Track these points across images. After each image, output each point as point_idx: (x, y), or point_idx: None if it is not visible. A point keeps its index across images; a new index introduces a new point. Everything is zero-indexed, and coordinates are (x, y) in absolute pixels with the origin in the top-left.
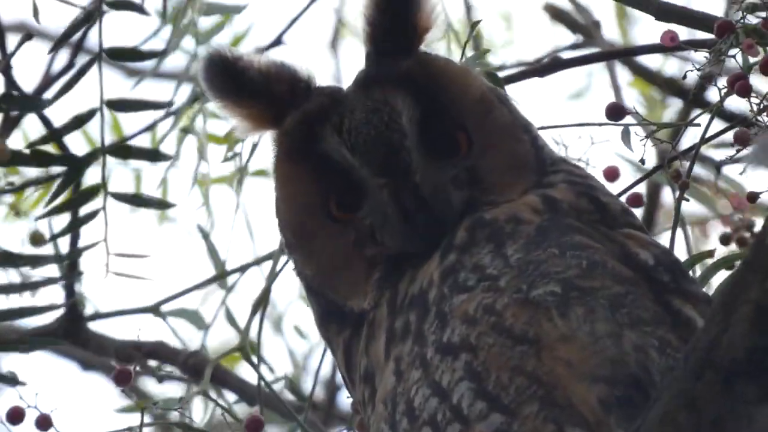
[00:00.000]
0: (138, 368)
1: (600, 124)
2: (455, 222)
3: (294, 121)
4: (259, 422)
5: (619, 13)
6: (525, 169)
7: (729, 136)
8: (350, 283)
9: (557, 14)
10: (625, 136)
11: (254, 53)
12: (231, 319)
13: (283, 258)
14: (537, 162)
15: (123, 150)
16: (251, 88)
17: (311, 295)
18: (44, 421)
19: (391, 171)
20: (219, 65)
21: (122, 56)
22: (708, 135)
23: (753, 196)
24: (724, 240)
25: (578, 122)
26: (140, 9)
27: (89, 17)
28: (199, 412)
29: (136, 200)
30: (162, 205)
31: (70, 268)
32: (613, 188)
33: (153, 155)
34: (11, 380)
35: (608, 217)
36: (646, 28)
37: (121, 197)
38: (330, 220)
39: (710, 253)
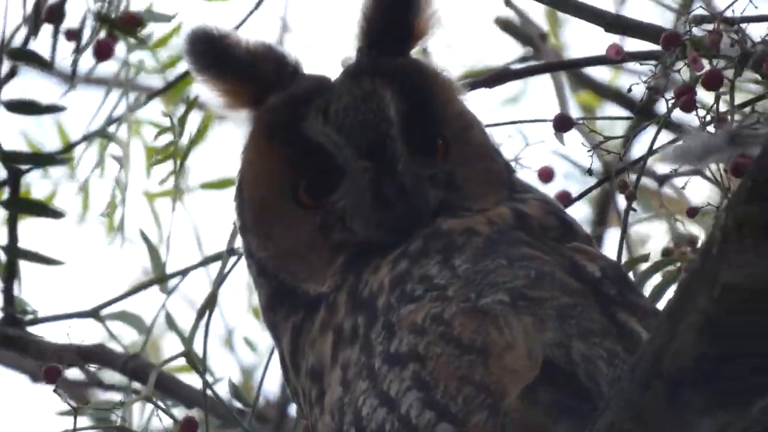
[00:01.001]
0: (82, 374)
1: (539, 121)
2: (428, 220)
3: (278, 99)
4: (193, 422)
5: (552, 22)
6: (499, 185)
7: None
8: (310, 267)
9: (506, 26)
10: (559, 136)
11: (243, 33)
12: (171, 323)
13: (231, 261)
14: (509, 183)
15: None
16: (236, 65)
17: (262, 277)
18: None
19: (375, 155)
20: (204, 40)
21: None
22: (656, 147)
23: (692, 211)
24: (666, 254)
25: (517, 120)
26: (46, 64)
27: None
28: (138, 416)
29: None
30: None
31: (8, 272)
32: (550, 190)
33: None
34: None
35: (570, 237)
36: (596, 40)
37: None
38: (296, 203)
39: (645, 258)
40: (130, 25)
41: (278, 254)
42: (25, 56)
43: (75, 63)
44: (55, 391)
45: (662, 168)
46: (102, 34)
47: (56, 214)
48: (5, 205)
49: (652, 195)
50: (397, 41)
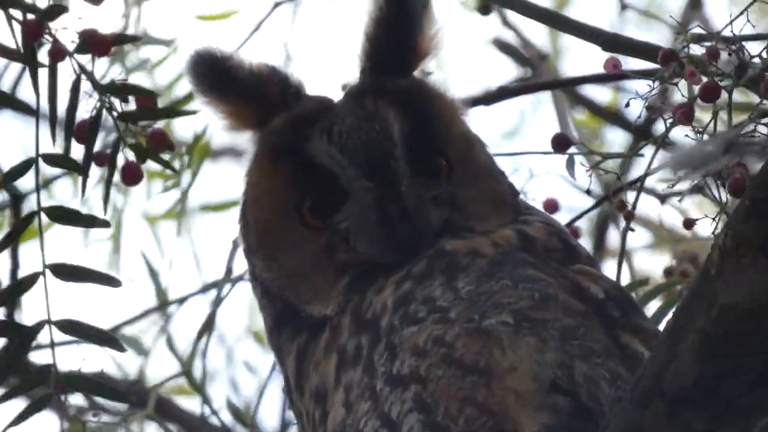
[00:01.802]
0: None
1: (545, 153)
2: (431, 241)
3: (282, 121)
4: None
5: (553, 44)
6: (503, 206)
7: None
8: (314, 288)
9: (504, 47)
10: (570, 165)
11: (246, 55)
12: (171, 346)
13: (228, 286)
14: (513, 205)
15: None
16: (240, 87)
17: (267, 299)
18: None
19: (378, 176)
20: (207, 62)
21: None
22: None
23: (689, 223)
24: (668, 273)
25: (522, 152)
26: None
27: None
28: None
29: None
30: (91, 221)
31: (11, 296)
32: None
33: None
34: None
35: (573, 259)
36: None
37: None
38: (301, 224)
39: (645, 282)
40: (159, 144)
41: (283, 275)
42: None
43: (107, 194)
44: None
45: (662, 186)
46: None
47: (102, 224)
48: (54, 215)
49: (651, 222)
50: (399, 62)
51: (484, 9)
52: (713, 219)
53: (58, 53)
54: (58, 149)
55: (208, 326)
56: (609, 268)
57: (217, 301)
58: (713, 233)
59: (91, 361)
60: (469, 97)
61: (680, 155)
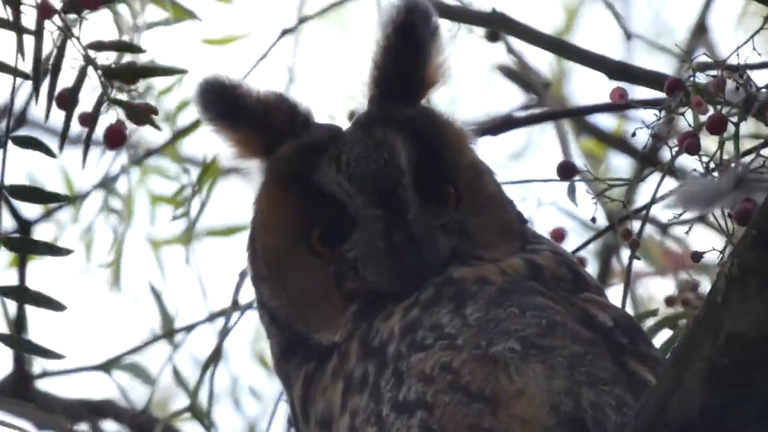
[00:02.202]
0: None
1: (548, 180)
2: (439, 269)
3: (290, 149)
4: None
5: (557, 71)
6: (511, 235)
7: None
8: (323, 316)
9: (509, 74)
10: (571, 193)
11: (253, 83)
12: (177, 376)
13: (236, 315)
14: (521, 233)
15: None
16: (248, 115)
17: (274, 327)
18: None
19: (386, 204)
20: (215, 90)
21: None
22: (660, 194)
23: (696, 256)
24: (669, 302)
25: (525, 179)
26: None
27: None
28: None
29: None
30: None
31: (18, 326)
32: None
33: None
34: None
35: (581, 287)
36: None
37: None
38: (310, 252)
39: (653, 313)
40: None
41: (291, 303)
42: (33, 144)
43: (85, 152)
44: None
45: (666, 215)
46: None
47: (62, 252)
48: (11, 245)
49: (653, 246)
50: (408, 90)
51: (492, 36)
52: (720, 251)
53: (45, 10)
54: (40, 111)
55: (214, 357)
56: (613, 294)
57: (224, 332)
58: (719, 263)
59: (98, 390)
60: (477, 127)
61: (689, 192)
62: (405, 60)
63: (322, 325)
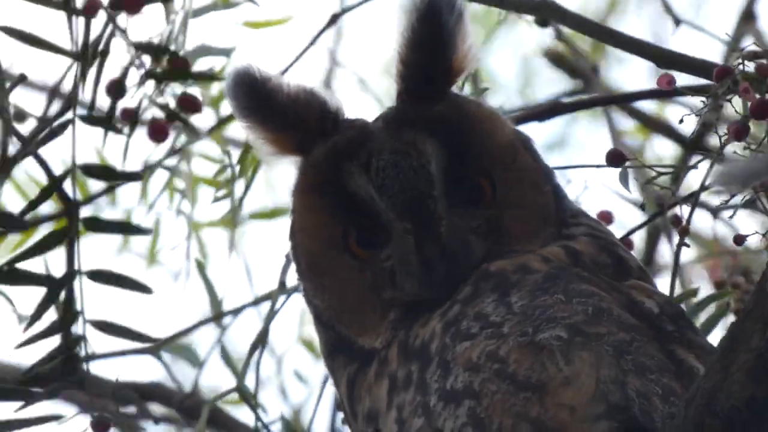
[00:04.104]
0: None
1: (599, 166)
2: (473, 271)
3: (321, 154)
4: None
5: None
6: (547, 221)
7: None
8: (363, 322)
9: (557, 59)
10: (623, 179)
11: (284, 77)
12: (226, 357)
13: (282, 298)
14: (558, 213)
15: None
16: (278, 112)
17: (320, 325)
18: None
19: (416, 218)
20: (247, 84)
21: (94, 173)
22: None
23: (740, 239)
24: (719, 286)
25: (575, 164)
26: (113, 127)
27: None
28: None
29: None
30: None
31: (66, 308)
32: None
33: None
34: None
35: (625, 273)
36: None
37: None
38: (348, 255)
39: (694, 293)
40: (187, 106)
41: (333, 306)
42: (101, 122)
43: (127, 145)
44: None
45: (714, 200)
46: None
47: (140, 231)
48: (86, 223)
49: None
50: (435, 82)
51: (542, 22)
52: (764, 235)
53: (92, 6)
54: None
55: (261, 339)
56: (660, 283)
57: (271, 315)
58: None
59: (146, 372)
60: (523, 113)
61: (729, 170)
62: (431, 51)
63: (363, 330)
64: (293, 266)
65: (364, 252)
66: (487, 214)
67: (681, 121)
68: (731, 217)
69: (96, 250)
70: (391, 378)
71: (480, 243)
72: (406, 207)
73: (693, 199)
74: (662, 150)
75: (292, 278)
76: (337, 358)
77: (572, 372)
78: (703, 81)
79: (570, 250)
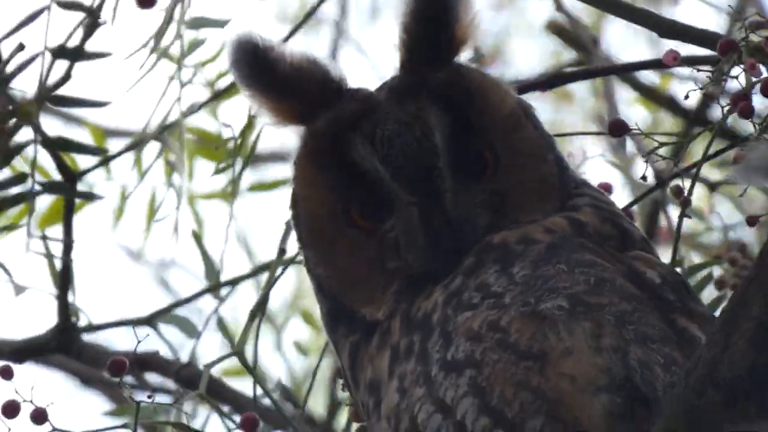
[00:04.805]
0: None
1: (600, 134)
2: (477, 242)
3: (324, 124)
4: (254, 419)
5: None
6: (550, 191)
7: (729, 155)
8: (365, 293)
9: (558, 31)
10: (622, 149)
11: (286, 45)
12: (222, 327)
13: (281, 268)
14: (561, 183)
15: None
16: (281, 81)
17: (321, 294)
18: (39, 416)
19: (421, 189)
20: (249, 52)
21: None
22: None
23: (752, 220)
24: (716, 260)
25: (576, 132)
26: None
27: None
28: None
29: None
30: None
31: (63, 279)
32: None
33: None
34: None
35: (628, 244)
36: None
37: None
38: (351, 226)
39: (703, 266)
40: None
41: (335, 276)
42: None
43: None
44: (119, 383)
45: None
46: None
47: (97, 104)
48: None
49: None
50: (438, 52)
51: None
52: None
53: None
54: None
55: (260, 307)
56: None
57: (270, 282)
58: None
59: (144, 343)
60: (525, 82)
61: (747, 163)
62: (433, 21)
63: (365, 301)
64: (293, 235)
65: (367, 223)
66: (491, 185)
67: (686, 96)
68: (741, 195)
69: (92, 224)
70: (393, 349)
71: (484, 214)
72: (411, 178)
73: (695, 170)
74: (662, 122)
75: (292, 247)
76: (338, 328)
77: (573, 342)
78: (705, 52)
79: (573, 221)
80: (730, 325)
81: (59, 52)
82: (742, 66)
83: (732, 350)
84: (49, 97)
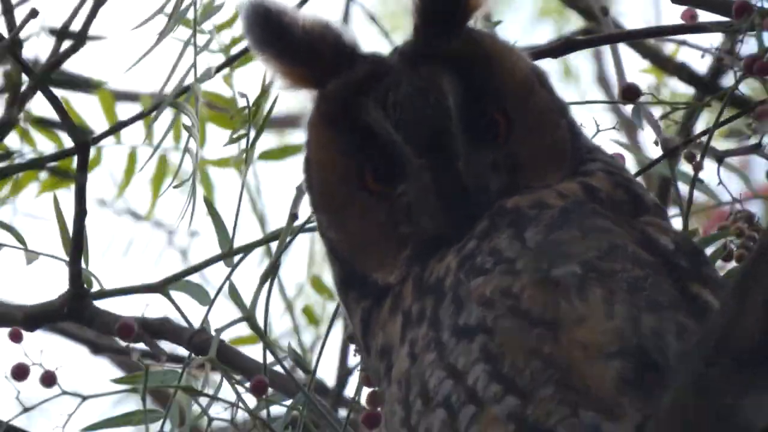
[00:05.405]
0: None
1: (613, 102)
2: (491, 206)
3: (336, 87)
4: (264, 384)
5: None
6: (563, 156)
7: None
8: (378, 257)
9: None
10: (637, 115)
11: (299, 10)
12: (234, 294)
13: (292, 234)
14: (573, 149)
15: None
16: (294, 45)
17: (333, 257)
18: (49, 378)
19: (434, 153)
20: (262, 16)
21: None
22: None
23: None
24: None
25: (588, 100)
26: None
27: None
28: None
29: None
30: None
31: (75, 246)
32: None
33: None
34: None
35: (641, 210)
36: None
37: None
38: (363, 191)
39: (694, 232)
40: None
41: (348, 240)
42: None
43: None
44: (127, 347)
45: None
46: None
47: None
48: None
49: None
50: (451, 16)
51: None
52: None
53: None
54: None
55: (271, 271)
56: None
57: (281, 247)
58: None
59: (154, 310)
60: (536, 49)
61: None
62: None
63: (378, 266)
64: (305, 199)
65: (379, 187)
66: (504, 149)
67: (703, 55)
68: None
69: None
70: (405, 314)
71: (496, 178)
72: (424, 142)
73: (707, 136)
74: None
75: (304, 212)
76: (350, 292)
77: (586, 309)
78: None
79: (586, 186)
80: (742, 293)
81: (63, 33)
82: (753, 33)
83: (745, 318)
84: (47, 79)
